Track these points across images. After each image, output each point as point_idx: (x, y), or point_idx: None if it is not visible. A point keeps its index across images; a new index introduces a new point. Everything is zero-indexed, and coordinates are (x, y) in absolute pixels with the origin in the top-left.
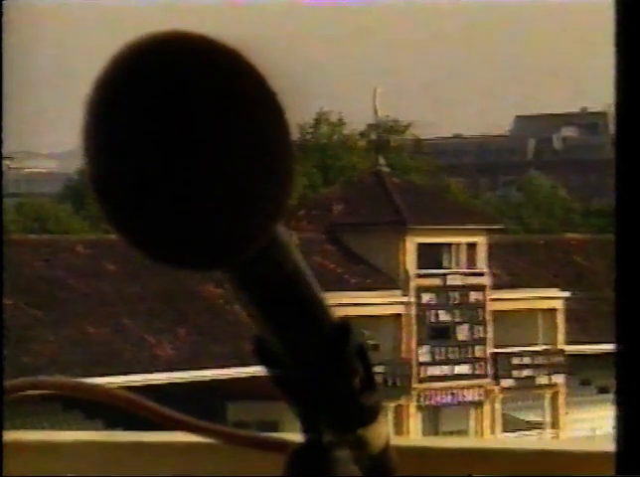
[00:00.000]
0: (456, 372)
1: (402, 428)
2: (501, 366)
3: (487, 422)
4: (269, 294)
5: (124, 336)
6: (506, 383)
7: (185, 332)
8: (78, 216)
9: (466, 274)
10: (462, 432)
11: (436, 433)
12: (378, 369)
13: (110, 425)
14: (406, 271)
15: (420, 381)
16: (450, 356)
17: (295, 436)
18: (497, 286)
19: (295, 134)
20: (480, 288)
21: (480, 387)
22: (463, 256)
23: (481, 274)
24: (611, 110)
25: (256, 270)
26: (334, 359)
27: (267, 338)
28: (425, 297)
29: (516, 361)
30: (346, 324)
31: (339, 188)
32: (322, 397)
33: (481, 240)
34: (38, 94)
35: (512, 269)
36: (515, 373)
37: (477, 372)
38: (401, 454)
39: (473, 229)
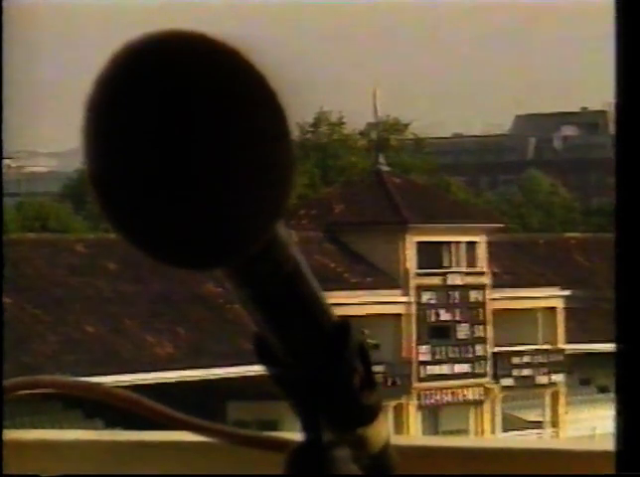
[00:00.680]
0: (456, 371)
1: (402, 427)
2: (501, 365)
3: (487, 422)
4: (269, 293)
5: (124, 335)
6: (506, 382)
7: (185, 331)
8: (78, 215)
9: (466, 273)
10: (462, 432)
11: (436, 433)
12: (378, 368)
13: (110, 425)
14: (407, 270)
15: (420, 380)
16: (450, 355)
17: (295, 435)
18: (497, 285)
19: (295, 133)
20: (480, 287)
21: (480, 386)
22: (463, 256)
23: (481, 273)
24: (611, 110)
25: (257, 269)
26: (334, 358)
27: (267, 337)
28: (425, 296)
29: (516, 360)
30: (346, 323)
31: (339, 187)
32: (322, 396)
33: (481, 240)
34: (38, 94)
35: (512, 268)
36: (515, 372)
37: (477, 371)
38: (401, 453)
39: (473, 228)
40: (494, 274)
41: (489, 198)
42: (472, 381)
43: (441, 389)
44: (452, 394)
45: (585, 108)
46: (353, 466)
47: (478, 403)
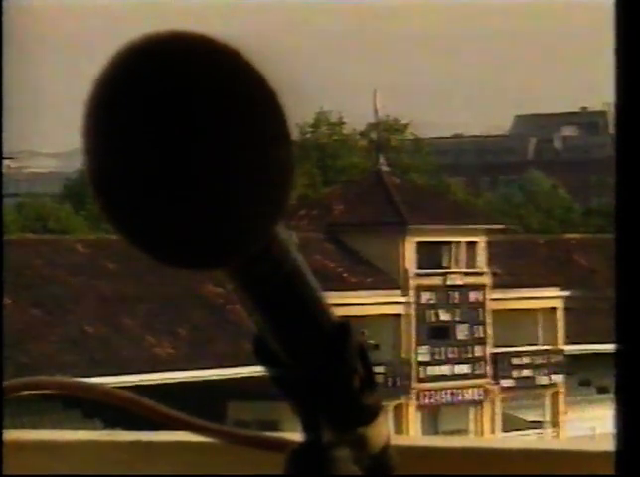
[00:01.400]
0: (456, 371)
1: (402, 428)
2: (501, 365)
3: (487, 422)
4: (269, 294)
5: (124, 335)
6: (506, 382)
7: (185, 331)
8: (78, 215)
9: (466, 274)
10: (462, 432)
11: (436, 433)
12: (377, 368)
13: (110, 425)
14: (406, 271)
15: (420, 380)
16: (450, 355)
17: (295, 436)
18: (497, 286)
19: (295, 134)
20: (480, 288)
21: (480, 386)
22: (463, 256)
23: (481, 274)
24: (611, 110)
25: (257, 270)
26: (334, 358)
27: (267, 337)
28: (425, 297)
29: (515, 360)
30: (346, 324)
31: (339, 187)
32: (322, 396)
33: (481, 240)
34: (38, 94)
35: (512, 269)
36: (514, 372)
37: (477, 371)
38: (401, 454)
39: (473, 228)
40: (494, 275)
41: (489, 198)
42: (472, 381)
43: (441, 389)
44: (452, 394)
45: (585, 109)
46: (353, 466)
47: (478, 404)
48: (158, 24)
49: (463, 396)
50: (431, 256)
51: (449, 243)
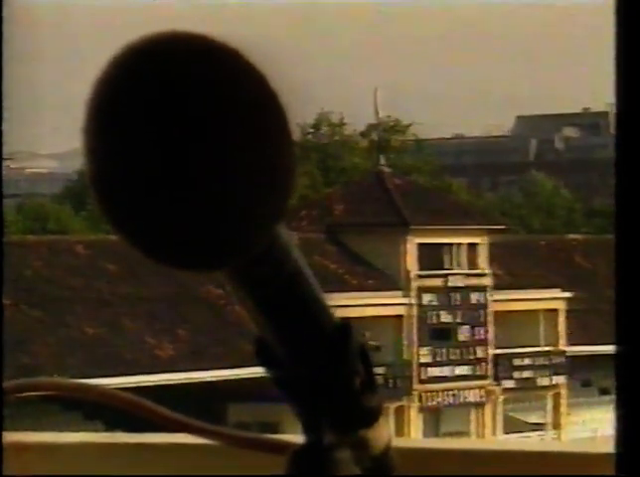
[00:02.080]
0: (457, 373)
1: (403, 430)
2: (502, 367)
3: (488, 424)
4: (270, 295)
5: (124, 337)
6: (507, 384)
7: (185, 333)
8: (78, 216)
9: (467, 275)
10: (463, 434)
11: (437, 435)
12: (378, 370)
13: (110, 427)
14: (408, 272)
15: (421, 382)
16: (451, 357)
17: (296, 438)
18: (498, 287)
19: (296, 134)
20: (481, 289)
21: (481, 388)
22: (464, 257)
23: (482, 275)
24: (613, 111)
25: (257, 271)
26: (335, 360)
27: (268, 339)
28: (426, 298)
29: (517, 362)
30: (347, 325)
31: (340, 188)
32: (323, 398)
33: (482, 241)
34: (39, 94)
35: (513, 270)
36: (516, 374)
37: (478, 373)
38: (402, 455)
39: (474, 229)
40: (495, 276)
41: (490, 199)
42: (473, 383)
43: (442, 391)
44: (453, 396)
45: (587, 109)
46: (354, 468)
47: (479, 405)
48: (159, 25)
49: (464, 397)
50: (432, 257)
51: (450, 244)
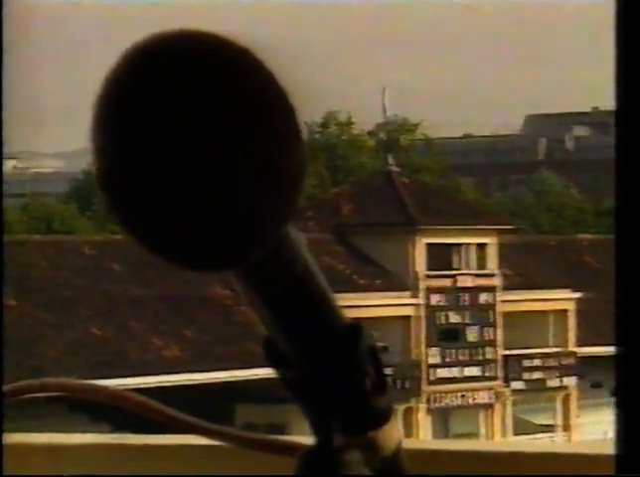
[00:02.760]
0: (466, 374)
1: (412, 431)
2: (511, 368)
3: (497, 425)
4: (280, 295)
5: (131, 338)
6: (516, 385)
7: (192, 334)
8: (83, 216)
9: (476, 275)
10: (472, 435)
11: (446, 436)
12: (386, 371)
13: (117, 428)
14: (416, 272)
15: (430, 383)
16: (460, 358)
17: (304, 439)
18: (507, 287)
19: (305, 134)
20: (490, 289)
21: (490, 389)
22: (473, 257)
23: (491, 275)
24: None
25: (267, 271)
26: (345, 360)
27: (278, 340)
28: (435, 298)
29: (527, 363)
30: (357, 325)
31: (348, 188)
32: (333, 399)
33: (491, 241)
34: (44, 94)
35: (523, 270)
36: (525, 375)
37: (487, 374)
38: (411, 457)
39: (483, 229)
40: (504, 276)
41: (499, 199)
42: (482, 384)
43: (451, 392)
44: (462, 397)
45: (597, 108)
46: (364, 470)
47: (488, 407)
48: (161, 24)
49: (473, 398)
50: (441, 258)
51: (459, 245)
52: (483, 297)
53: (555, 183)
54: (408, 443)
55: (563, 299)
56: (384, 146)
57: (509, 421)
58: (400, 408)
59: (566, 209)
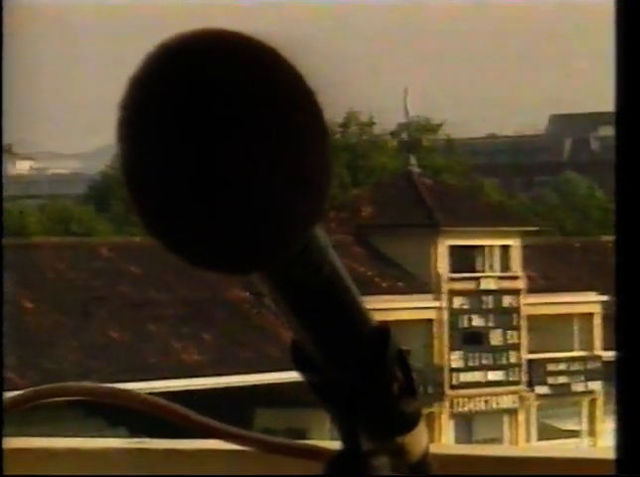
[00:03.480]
0: (490, 378)
1: (435, 436)
2: (536, 372)
3: (522, 431)
4: (307, 297)
5: (149, 341)
6: (541, 390)
7: (211, 337)
8: (102, 217)
9: (500, 278)
10: (496, 440)
11: (470, 441)
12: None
13: (134, 433)
14: (438, 275)
15: (453, 387)
16: (483, 362)
17: (331, 444)
18: (532, 290)
19: (333, 133)
20: (514, 292)
21: (514, 394)
22: (497, 259)
23: (515, 278)
24: None
25: (294, 273)
26: (373, 364)
27: (304, 343)
28: (458, 301)
29: (551, 367)
30: (385, 328)
31: (369, 189)
32: (360, 403)
33: (515, 243)
34: (61, 95)
35: (547, 273)
36: (550, 379)
37: (511, 378)
38: (435, 462)
39: (507, 231)
40: (529, 279)
41: (523, 200)
42: (506, 388)
43: (474, 396)
44: (486, 402)
45: None
46: (392, 475)
47: (512, 412)
48: (165, 23)
49: (497, 403)
50: (464, 260)
51: (483, 247)
52: (507, 300)
53: (580, 184)
54: (431, 448)
55: (589, 302)
56: (405, 146)
57: (533, 427)
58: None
59: (592, 210)
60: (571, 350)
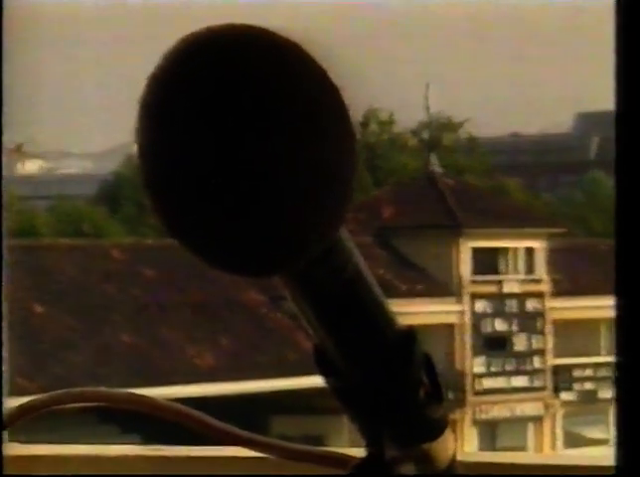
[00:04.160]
0: (513, 384)
1: (457, 444)
2: (561, 378)
3: (547, 438)
4: (330, 299)
5: (162, 345)
6: (567, 396)
7: (226, 341)
8: (113, 219)
9: (524, 281)
10: (520, 448)
11: (493, 449)
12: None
13: (148, 440)
14: (460, 277)
15: (475, 393)
16: (507, 367)
17: (353, 451)
18: (557, 293)
19: (358, 131)
20: (539, 295)
21: (539, 400)
22: (521, 262)
23: (540, 281)
24: None
25: (317, 275)
26: (398, 369)
27: (327, 347)
28: (480, 305)
29: (577, 373)
30: (411, 332)
31: (389, 189)
32: (385, 409)
33: (540, 245)
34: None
35: (573, 275)
36: (576, 386)
37: (536, 384)
38: (461, 470)
39: (532, 232)
40: (554, 282)
41: (549, 200)
42: (531, 395)
43: (498, 403)
44: (509, 408)
45: None
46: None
47: (537, 419)
48: (167, 23)
49: (521, 410)
50: (487, 262)
51: (506, 248)
52: (531, 304)
53: (607, 183)
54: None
55: None
56: (427, 146)
57: (559, 434)
58: None
59: None
60: (598, 355)
